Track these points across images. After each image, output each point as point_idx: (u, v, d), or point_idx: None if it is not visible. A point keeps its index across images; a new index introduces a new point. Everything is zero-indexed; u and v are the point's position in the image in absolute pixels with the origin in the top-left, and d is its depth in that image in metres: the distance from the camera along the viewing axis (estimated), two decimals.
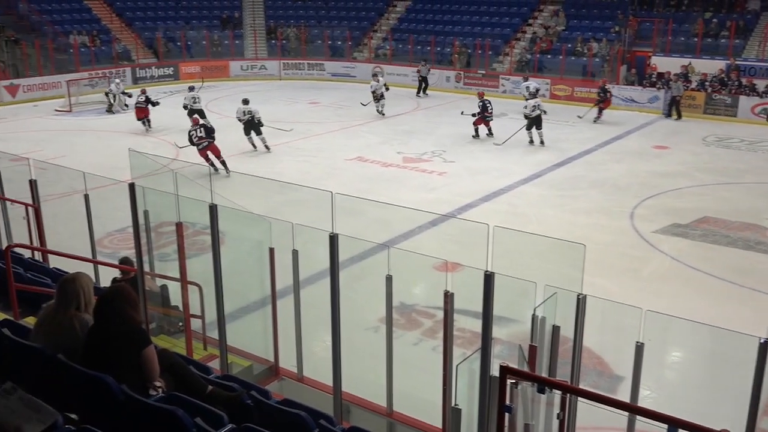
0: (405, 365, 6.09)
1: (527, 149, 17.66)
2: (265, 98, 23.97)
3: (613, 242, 11.29)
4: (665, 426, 2.74)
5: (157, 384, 4.02)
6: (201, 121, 15.82)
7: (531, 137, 18.04)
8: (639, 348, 4.92)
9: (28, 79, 24.65)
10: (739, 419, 4.50)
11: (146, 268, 6.41)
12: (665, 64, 23.62)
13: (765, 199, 13.75)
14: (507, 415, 3.57)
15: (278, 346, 6.30)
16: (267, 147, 17.06)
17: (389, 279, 5.44)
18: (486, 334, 4.54)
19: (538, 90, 20.42)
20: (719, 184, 14.77)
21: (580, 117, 21.26)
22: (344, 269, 5.48)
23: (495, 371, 4.02)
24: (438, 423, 5.24)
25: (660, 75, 23.24)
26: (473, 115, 18.48)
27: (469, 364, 4.44)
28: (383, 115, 21.57)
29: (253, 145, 17.06)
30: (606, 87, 21.34)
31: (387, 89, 21.82)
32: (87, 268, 7.20)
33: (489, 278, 4.43)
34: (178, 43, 29.63)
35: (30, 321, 5.45)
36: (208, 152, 14.76)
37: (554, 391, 4.02)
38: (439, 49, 28.30)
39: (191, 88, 19.90)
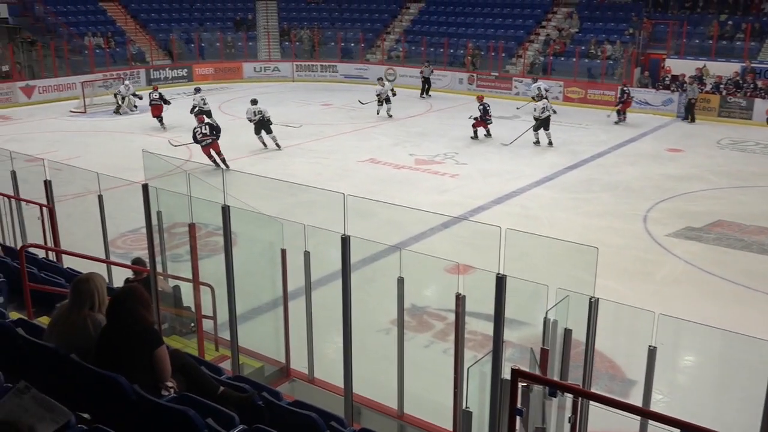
0: (416, 367, 6.08)
1: (540, 151, 17.61)
2: (278, 100, 24.06)
3: (626, 245, 11.22)
4: (678, 430, 2.72)
5: (169, 384, 4.05)
6: (207, 120, 16.00)
7: (537, 138, 18.02)
8: (651, 352, 4.89)
9: (44, 80, 24.85)
10: (753, 424, 4.46)
11: (159, 268, 6.44)
12: (679, 66, 23.43)
13: None
14: (518, 418, 3.57)
15: (290, 348, 6.31)
16: (278, 145, 17.24)
17: (401, 281, 5.43)
18: (497, 337, 4.53)
19: (547, 91, 20.36)
20: (734, 187, 14.64)
21: (608, 116, 21.35)
22: (356, 271, 5.47)
23: (506, 374, 4.01)
24: (449, 426, 5.22)
25: (674, 78, 23.08)
26: (474, 117, 18.51)
27: (480, 367, 4.42)
28: (390, 116, 21.59)
29: (264, 143, 17.25)
30: (625, 89, 21.33)
31: (394, 94, 21.85)
32: (100, 269, 7.27)
33: (501, 281, 4.43)
34: (192, 45, 29.81)
35: (44, 321, 5.51)
36: (211, 150, 15.05)
37: (566, 394, 4.01)
38: (452, 51, 28.27)
39: (197, 90, 20.11)
